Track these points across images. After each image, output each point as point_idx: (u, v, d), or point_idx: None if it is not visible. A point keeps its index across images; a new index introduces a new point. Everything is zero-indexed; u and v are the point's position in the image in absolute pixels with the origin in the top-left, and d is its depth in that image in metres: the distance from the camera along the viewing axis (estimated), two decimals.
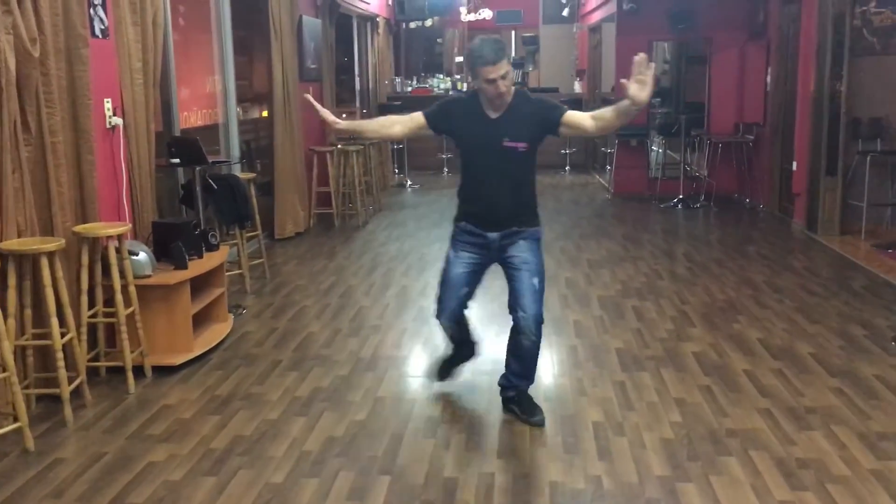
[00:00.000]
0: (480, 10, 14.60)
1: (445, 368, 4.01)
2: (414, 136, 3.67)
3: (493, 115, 3.42)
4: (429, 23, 14.66)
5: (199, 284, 4.69)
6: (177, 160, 5.19)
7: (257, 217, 6.11)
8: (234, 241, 5.83)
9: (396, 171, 12.03)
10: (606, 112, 3.32)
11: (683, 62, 11.04)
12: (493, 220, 3.50)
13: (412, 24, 14.74)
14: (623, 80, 3.10)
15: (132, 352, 4.11)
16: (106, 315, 4.19)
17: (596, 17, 12.59)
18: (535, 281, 3.46)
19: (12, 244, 3.57)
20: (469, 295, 3.66)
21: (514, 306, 3.51)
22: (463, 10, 14.77)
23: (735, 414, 3.66)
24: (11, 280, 3.57)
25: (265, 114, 7.86)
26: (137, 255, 4.29)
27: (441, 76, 14.40)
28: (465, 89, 13.73)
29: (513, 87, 3.39)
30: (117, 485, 3.11)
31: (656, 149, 10.45)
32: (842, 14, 7.19)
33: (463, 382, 4.11)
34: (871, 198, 7.21)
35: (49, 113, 3.85)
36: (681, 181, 9.43)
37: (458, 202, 3.66)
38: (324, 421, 3.67)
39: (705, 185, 9.46)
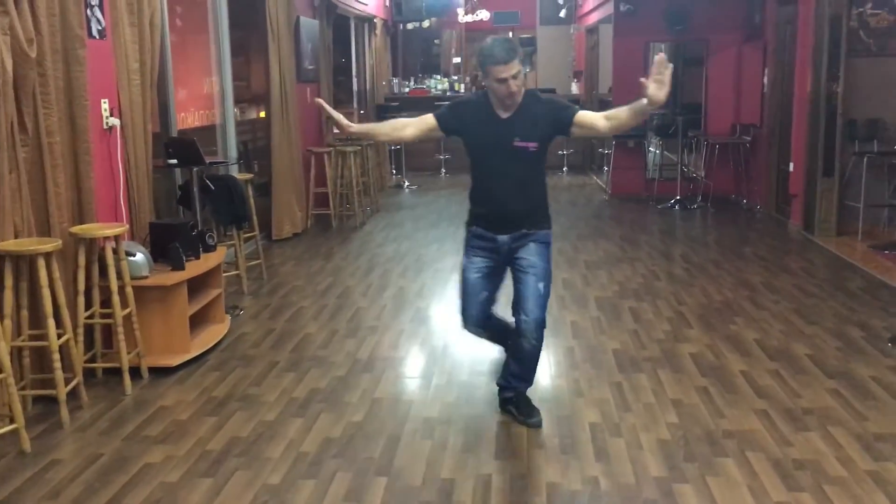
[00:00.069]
0: (478, 12, 14.61)
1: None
2: (426, 138, 3.63)
3: (504, 115, 3.41)
4: (426, 24, 14.67)
5: (196, 285, 4.69)
6: (174, 161, 5.18)
7: (254, 218, 6.10)
8: (232, 242, 5.83)
9: (394, 171, 12.04)
10: (621, 112, 3.31)
11: (680, 63, 11.04)
12: (504, 222, 3.48)
13: (409, 25, 14.73)
14: (642, 79, 3.09)
15: (129, 353, 4.11)
16: (103, 316, 4.19)
17: (593, 19, 12.61)
18: (541, 286, 3.45)
19: (9, 245, 3.56)
20: (490, 298, 3.63)
21: (517, 309, 3.50)
22: (460, 11, 14.78)
23: (732, 415, 3.66)
24: (8, 281, 3.57)
25: (262, 114, 7.86)
26: (134, 255, 4.28)
27: (438, 77, 14.41)
28: (462, 90, 13.76)
29: (523, 87, 3.39)
30: (114, 486, 3.11)
31: (653, 150, 10.46)
32: (838, 15, 7.20)
33: (460, 383, 4.11)
34: (868, 199, 7.22)
35: (46, 114, 3.84)
36: (678, 182, 9.44)
37: (469, 206, 3.65)
38: (321, 422, 3.67)
39: (702, 187, 9.47)
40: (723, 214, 8.89)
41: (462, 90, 13.77)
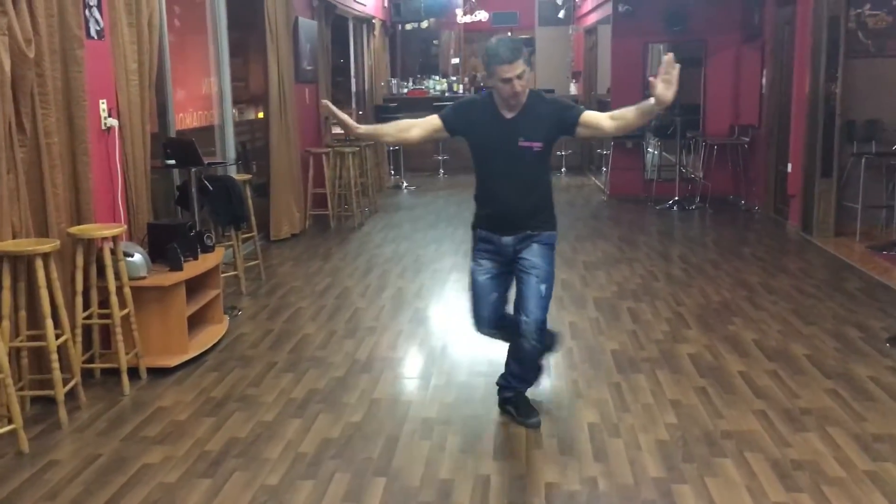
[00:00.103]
0: (476, 12, 14.61)
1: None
2: (431, 138, 3.63)
3: (509, 115, 3.41)
4: (425, 24, 14.67)
5: (194, 286, 4.68)
6: (172, 161, 5.19)
7: (253, 218, 6.10)
8: (230, 243, 5.82)
9: (392, 172, 12.03)
10: (627, 112, 3.31)
11: (680, 65, 11.06)
12: (508, 223, 3.48)
13: (408, 26, 14.74)
14: (651, 78, 3.09)
15: (127, 353, 4.10)
16: (101, 317, 4.19)
17: (591, 19, 12.62)
18: (543, 287, 3.44)
19: (7, 245, 3.56)
20: (501, 299, 3.62)
21: (518, 310, 3.50)
22: (459, 11, 14.78)
23: (730, 415, 3.66)
24: (6, 281, 3.57)
25: (261, 115, 7.86)
26: (132, 256, 4.28)
27: (437, 78, 14.41)
28: (461, 90, 13.76)
29: (528, 88, 3.39)
30: (112, 487, 3.10)
31: (652, 151, 10.46)
32: (836, 16, 7.21)
33: (458, 384, 4.11)
34: (866, 200, 7.22)
35: (44, 114, 3.84)
36: (676, 183, 9.45)
37: (474, 207, 3.65)
38: (319, 423, 3.66)
39: (701, 187, 9.47)
40: (721, 215, 8.90)
41: (460, 90, 13.77)
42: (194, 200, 5.25)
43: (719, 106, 9.79)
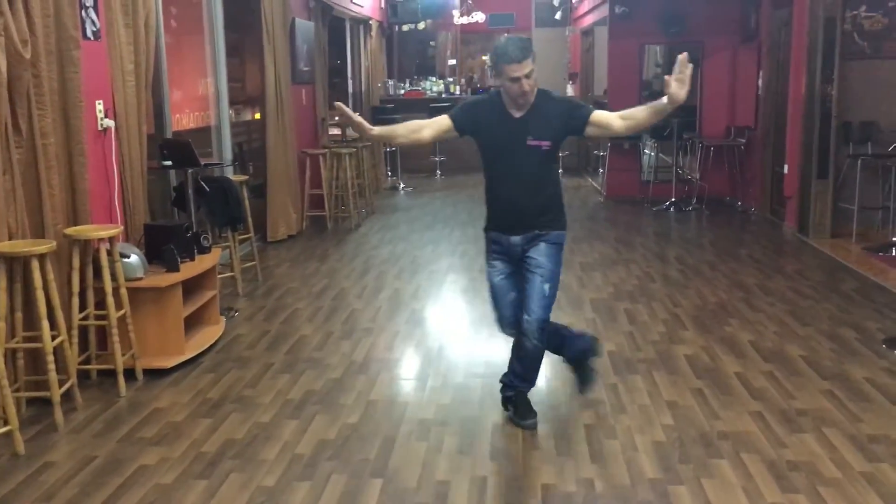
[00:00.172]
0: (473, 14, 14.61)
1: (581, 371, 3.84)
2: (441, 138, 3.62)
3: (517, 114, 3.41)
4: (421, 26, 14.67)
5: (190, 287, 4.68)
6: (169, 162, 5.18)
7: (249, 219, 6.10)
8: (227, 244, 5.82)
9: (389, 173, 12.03)
10: (638, 112, 3.31)
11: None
12: (517, 223, 3.48)
13: (405, 27, 14.74)
14: (667, 77, 3.11)
15: (123, 355, 4.10)
16: (97, 318, 4.18)
17: (588, 21, 12.63)
18: (546, 287, 3.44)
19: (3, 246, 3.55)
20: (520, 298, 3.59)
21: (521, 308, 3.49)
22: (455, 13, 14.79)
23: (726, 416, 3.67)
24: (2, 282, 3.55)
25: (257, 116, 7.86)
26: (129, 257, 4.27)
27: (434, 79, 14.41)
28: (458, 91, 13.77)
29: (536, 87, 3.38)
30: (108, 488, 3.10)
31: (649, 152, 10.47)
32: (832, 18, 7.22)
33: (455, 385, 4.11)
34: (862, 201, 7.23)
35: (40, 115, 3.83)
36: (673, 184, 9.46)
37: (485, 208, 3.65)
38: (316, 424, 3.66)
39: (697, 189, 9.48)
40: (717, 216, 8.91)
41: (457, 92, 13.77)
42: (191, 201, 5.24)
43: (716, 107, 9.81)
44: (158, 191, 5.65)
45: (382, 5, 13.00)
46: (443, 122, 3.51)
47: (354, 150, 8.72)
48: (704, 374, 4.19)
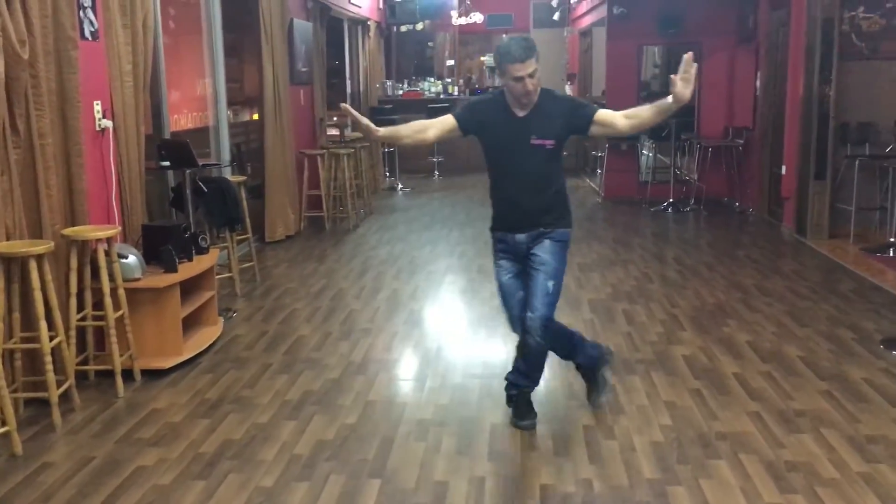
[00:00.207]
0: (471, 14, 14.62)
1: (592, 380, 3.82)
2: (446, 138, 3.61)
3: (521, 113, 3.42)
4: (420, 26, 14.67)
5: (188, 288, 4.67)
6: (167, 163, 5.18)
7: (247, 220, 6.09)
8: (225, 245, 5.81)
9: (387, 174, 12.03)
10: (643, 111, 3.33)
11: (673, 67, 11.09)
12: (521, 221, 3.49)
13: (403, 28, 14.74)
14: (672, 76, 3.12)
15: (121, 355, 4.09)
16: (95, 318, 4.17)
17: (586, 22, 12.64)
18: (550, 284, 3.43)
19: (1, 247, 3.54)
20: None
21: (525, 305, 3.49)
22: (454, 14, 14.79)
23: (725, 417, 3.67)
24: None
25: (256, 117, 7.85)
26: (127, 258, 4.27)
27: (432, 80, 14.41)
28: (456, 92, 13.77)
29: (539, 86, 3.39)
30: (106, 489, 3.10)
31: (647, 153, 10.48)
32: (830, 19, 7.23)
33: (453, 386, 4.11)
34: (860, 202, 7.25)
35: (38, 115, 3.83)
36: (671, 185, 9.46)
37: (491, 208, 3.65)
38: (314, 424, 3.66)
39: (695, 189, 9.49)
40: (715, 217, 8.92)
41: (455, 93, 13.78)
42: (189, 202, 5.24)
43: (714, 108, 9.81)
44: (156, 191, 5.64)
45: (381, 6, 13.00)
46: (447, 121, 3.52)
47: (352, 150, 8.72)
48: (702, 374, 4.19)
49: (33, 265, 3.56)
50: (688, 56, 3.10)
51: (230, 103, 7.19)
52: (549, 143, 3.40)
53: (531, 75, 3.28)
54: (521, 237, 3.50)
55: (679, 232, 8.32)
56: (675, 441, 3.44)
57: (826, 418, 3.63)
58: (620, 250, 7.20)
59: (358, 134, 9.42)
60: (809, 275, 6.23)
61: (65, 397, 3.80)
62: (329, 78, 10.02)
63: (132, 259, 4.30)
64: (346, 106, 3.54)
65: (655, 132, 9.56)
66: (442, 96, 13.46)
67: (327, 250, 7.40)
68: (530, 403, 3.67)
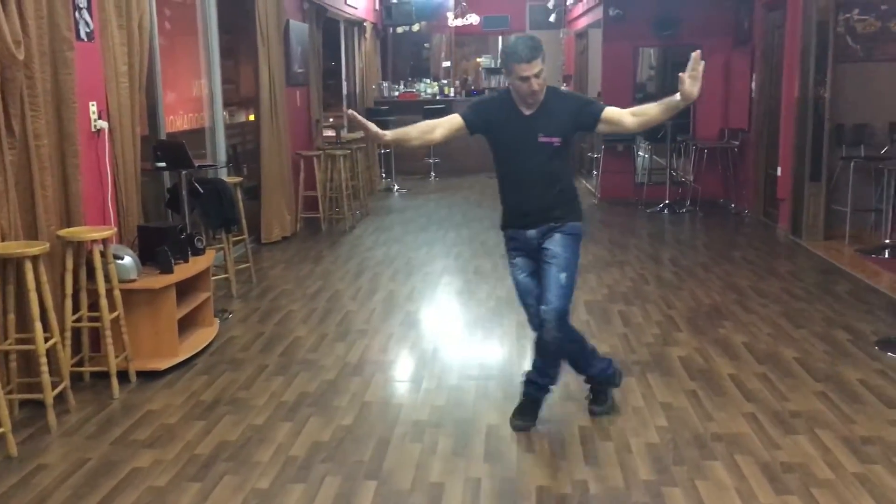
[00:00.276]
0: (467, 16, 14.62)
1: (597, 391, 3.80)
2: (453, 138, 3.60)
3: (527, 111, 3.43)
4: (416, 27, 14.67)
5: (184, 289, 4.67)
6: (163, 164, 5.17)
7: (244, 221, 6.08)
8: (221, 246, 5.81)
9: (384, 175, 12.03)
10: (650, 108, 3.34)
11: (669, 68, 11.11)
12: (531, 217, 3.49)
13: (399, 29, 14.73)
14: (680, 74, 3.14)
15: (117, 357, 4.08)
16: (90, 319, 4.17)
17: (582, 23, 12.65)
18: (562, 276, 3.42)
19: None
20: None
21: (539, 299, 3.48)
22: (450, 15, 14.79)
23: (720, 418, 3.67)
24: None
25: (252, 118, 7.85)
26: (122, 259, 4.26)
27: (428, 81, 14.41)
28: (452, 93, 13.77)
29: (545, 85, 3.39)
30: (101, 491, 3.09)
31: (642, 154, 10.49)
32: (826, 21, 7.25)
33: (450, 387, 4.11)
34: (855, 203, 7.26)
35: (34, 116, 3.82)
36: (667, 186, 9.47)
37: (501, 206, 3.65)
38: (310, 426, 3.66)
39: (691, 191, 9.50)
40: (711, 218, 8.93)
41: (451, 94, 13.78)
42: (185, 203, 5.23)
43: (709, 110, 9.82)
44: (152, 192, 5.63)
45: (377, 7, 13.00)
46: (454, 121, 3.52)
47: (349, 151, 8.72)
48: (698, 375, 4.20)
49: (29, 266, 3.55)
50: (696, 54, 3.12)
51: (226, 104, 7.19)
52: (556, 140, 3.41)
53: (537, 75, 3.29)
54: (531, 233, 3.50)
55: (675, 233, 8.33)
56: (670, 442, 3.44)
57: (821, 419, 3.64)
58: (616, 252, 7.21)
59: (354, 135, 9.44)
60: (805, 276, 6.24)
61: (60, 399, 3.79)
62: (325, 79, 10.02)
63: (128, 260, 4.30)
64: (353, 112, 3.54)
65: (651, 134, 9.58)
66: (438, 97, 13.46)
67: (323, 251, 7.40)
68: (536, 407, 3.64)
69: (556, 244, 3.46)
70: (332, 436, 3.55)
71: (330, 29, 10.28)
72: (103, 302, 4.01)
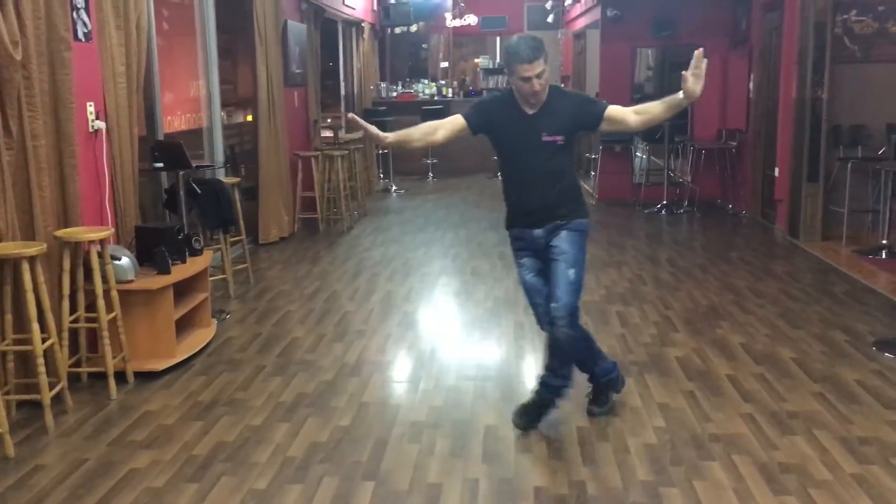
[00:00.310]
0: (465, 16, 14.63)
1: (598, 392, 3.80)
2: (455, 138, 3.59)
3: (530, 111, 3.43)
4: (414, 28, 14.66)
5: (182, 289, 4.66)
6: (160, 164, 5.16)
7: (241, 222, 6.08)
8: (218, 246, 5.80)
9: (381, 175, 12.03)
10: (653, 106, 3.35)
11: (667, 69, 11.13)
12: (537, 216, 3.49)
13: (397, 30, 14.72)
14: (683, 72, 3.15)
15: (114, 357, 4.08)
16: (88, 320, 4.16)
17: (580, 24, 12.66)
18: (570, 272, 3.42)
19: None
20: None
21: (549, 297, 3.47)
22: (448, 15, 14.80)
23: (718, 419, 3.67)
24: None
25: (249, 118, 7.85)
26: (120, 259, 4.26)
27: (426, 81, 14.41)
28: (450, 94, 13.77)
29: (548, 85, 3.39)
30: (99, 491, 3.09)
31: (640, 155, 10.50)
32: (823, 22, 7.26)
33: (447, 387, 4.11)
34: (852, 204, 7.27)
35: (31, 117, 3.82)
36: (664, 187, 9.48)
37: (505, 207, 3.65)
38: (308, 426, 3.65)
39: (689, 191, 9.51)
40: (709, 219, 8.94)
41: (450, 94, 13.79)
42: (182, 203, 5.22)
43: (707, 110, 9.83)
44: (150, 193, 5.63)
45: (375, 8, 13.00)
46: (457, 122, 3.52)
47: (346, 152, 8.72)
48: (696, 376, 4.20)
49: (26, 267, 3.55)
50: (698, 52, 3.13)
51: (224, 105, 7.18)
52: (559, 139, 3.42)
53: (539, 76, 3.29)
54: (538, 232, 3.50)
55: (672, 234, 8.33)
56: (668, 443, 3.44)
57: (819, 420, 3.64)
58: (614, 252, 7.21)
59: (352, 135, 9.44)
60: (802, 277, 6.25)
61: (57, 399, 3.79)
62: (323, 80, 10.02)
63: (125, 261, 4.29)
64: (354, 116, 3.54)
65: (649, 134, 9.60)
66: (436, 98, 13.47)
67: (321, 252, 7.40)
68: (543, 410, 3.60)
69: (562, 241, 3.46)
70: (330, 436, 3.55)
71: (328, 29, 10.28)
72: (100, 302, 4.00)
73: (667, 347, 4.65)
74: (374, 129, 3.44)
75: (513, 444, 3.47)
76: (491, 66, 14.72)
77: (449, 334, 5.11)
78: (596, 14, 10.56)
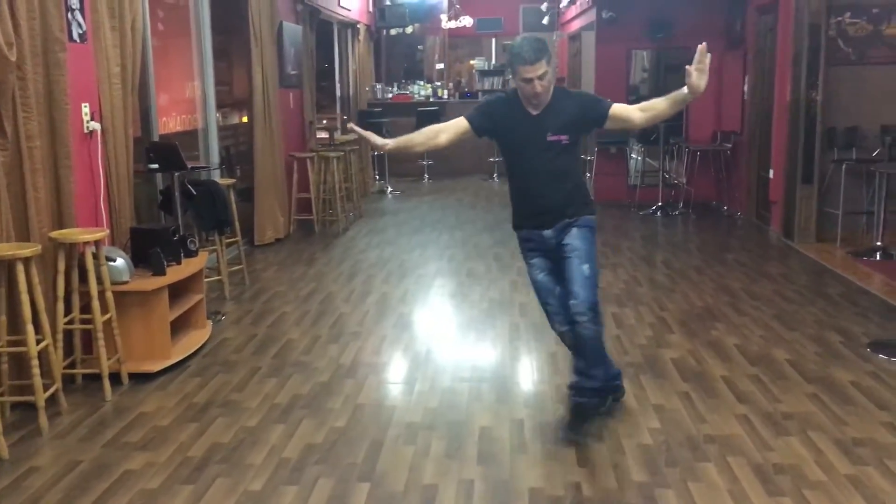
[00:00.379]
0: (461, 18, 14.64)
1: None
2: (459, 141, 3.59)
3: (535, 111, 3.43)
4: (409, 30, 14.68)
5: (177, 291, 4.66)
6: (155, 165, 5.16)
7: (237, 223, 6.07)
8: (214, 247, 5.79)
9: (377, 177, 12.02)
10: (658, 103, 3.36)
11: (662, 70, 11.15)
12: (546, 217, 3.49)
13: (393, 31, 14.74)
14: (687, 67, 3.16)
15: (109, 359, 4.07)
16: (82, 322, 4.15)
17: (575, 26, 12.68)
18: (585, 267, 3.41)
19: None
20: (565, 292, 3.55)
21: (568, 295, 3.45)
22: (443, 17, 14.81)
23: (713, 420, 3.68)
24: None
25: (245, 119, 7.84)
26: (115, 261, 4.25)
27: (421, 83, 14.42)
28: (446, 95, 13.78)
29: (551, 86, 3.39)
30: (93, 493, 3.08)
31: (635, 156, 10.52)
32: (817, 24, 7.28)
33: (443, 389, 4.11)
34: (847, 206, 7.29)
35: (26, 118, 3.81)
36: (660, 189, 9.50)
37: (511, 208, 3.65)
38: (303, 428, 3.65)
39: (684, 193, 9.53)
40: (704, 221, 8.95)
41: (445, 96, 13.79)
42: (178, 205, 5.22)
43: (702, 112, 9.84)
44: (145, 194, 5.62)
45: (370, 9, 13.00)
46: (460, 124, 3.52)
47: (342, 153, 8.71)
48: (691, 377, 4.21)
49: (20, 268, 3.54)
50: (702, 46, 3.14)
51: (219, 106, 7.18)
52: (565, 138, 3.42)
53: (541, 77, 3.29)
54: (548, 233, 3.50)
55: (667, 235, 8.35)
56: (663, 444, 3.45)
57: (813, 421, 3.65)
58: (609, 254, 7.22)
59: (348, 137, 9.44)
60: (797, 278, 6.26)
61: (52, 401, 3.78)
62: (318, 81, 10.02)
63: (120, 262, 4.28)
64: (353, 125, 3.55)
65: (644, 136, 9.61)
66: (431, 100, 13.47)
67: (316, 253, 7.39)
68: (586, 417, 3.54)
69: (574, 238, 3.46)
70: (325, 438, 3.55)
71: (323, 31, 10.28)
72: (95, 304, 3.99)
73: (662, 349, 4.66)
74: (373, 136, 3.44)
75: (508, 445, 3.47)
76: (486, 68, 14.73)
77: (444, 336, 5.11)
78: (591, 16, 10.58)
